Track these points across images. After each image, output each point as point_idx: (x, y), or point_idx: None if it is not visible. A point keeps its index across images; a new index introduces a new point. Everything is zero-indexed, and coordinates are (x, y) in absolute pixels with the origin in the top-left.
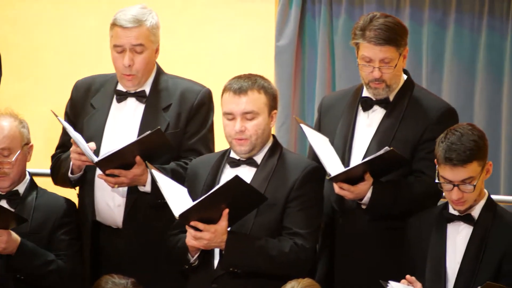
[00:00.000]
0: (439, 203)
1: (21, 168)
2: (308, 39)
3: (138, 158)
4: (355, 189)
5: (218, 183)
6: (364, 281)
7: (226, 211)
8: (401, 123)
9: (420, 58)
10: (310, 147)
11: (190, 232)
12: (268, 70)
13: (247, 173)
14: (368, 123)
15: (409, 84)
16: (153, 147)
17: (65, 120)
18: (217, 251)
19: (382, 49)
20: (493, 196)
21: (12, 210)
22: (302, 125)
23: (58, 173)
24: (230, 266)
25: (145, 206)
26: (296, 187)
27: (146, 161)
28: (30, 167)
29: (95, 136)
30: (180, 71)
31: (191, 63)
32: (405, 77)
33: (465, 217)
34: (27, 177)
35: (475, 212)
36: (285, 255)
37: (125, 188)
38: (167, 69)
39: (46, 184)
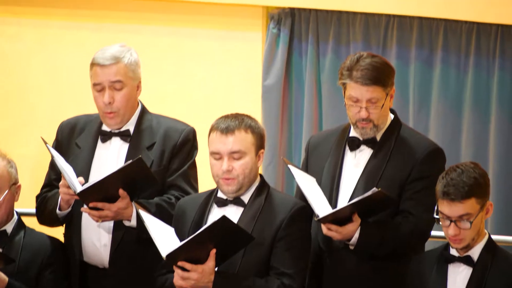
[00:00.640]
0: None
1: (9, 208)
2: (295, 78)
3: (121, 191)
4: (343, 230)
5: (205, 223)
6: None
7: (214, 251)
8: (388, 163)
9: (407, 97)
10: (298, 186)
11: (177, 272)
12: (255, 109)
13: (234, 213)
14: (355, 163)
15: (396, 123)
16: (135, 179)
17: (50, 164)
18: None
19: (369, 89)
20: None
21: (0, 250)
22: (290, 166)
23: (45, 210)
24: None
25: (132, 244)
26: (283, 226)
27: (133, 202)
28: (17, 207)
29: (81, 175)
30: (167, 110)
31: (178, 101)
32: (392, 116)
33: (465, 259)
34: (15, 216)
35: (475, 254)
36: None
37: (111, 226)
38: (154, 107)
39: (33, 223)
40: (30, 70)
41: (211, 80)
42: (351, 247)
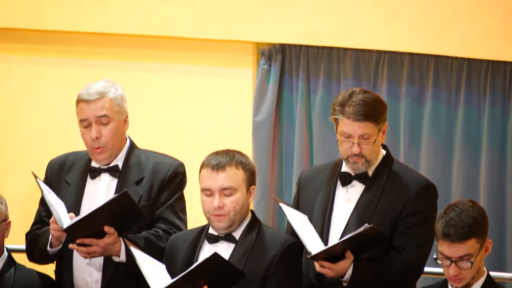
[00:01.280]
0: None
1: None
2: (285, 115)
3: (107, 227)
4: (336, 267)
5: (196, 259)
6: None
7: None
8: (380, 198)
9: (397, 133)
10: (288, 222)
11: None
12: (246, 145)
13: (225, 249)
14: (347, 198)
15: (388, 159)
16: (122, 213)
17: (40, 201)
18: None
19: (361, 125)
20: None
21: None
22: (281, 204)
23: (35, 247)
24: None
25: (123, 279)
26: (275, 262)
27: (124, 239)
28: (7, 243)
29: (72, 212)
30: (158, 146)
31: (169, 137)
32: (384, 152)
33: None
34: (5, 253)
35: None
36: None
37: (102, 262)
38: (145, 143)
39: (24, 260)
40: (21, 106)
41: (201, 116)
42: (344, 284)
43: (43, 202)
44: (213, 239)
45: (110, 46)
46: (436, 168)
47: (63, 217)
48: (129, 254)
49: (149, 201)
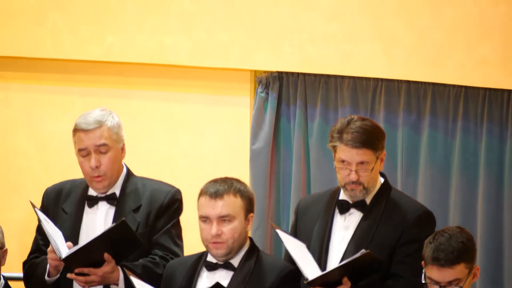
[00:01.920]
0: None
1: None
2: (283, 142)
3: (106, 255)
4: None
5: (194, 287)
6: None
7: None
8: (378, 226)
9: (395, 161)
10: (286, 250)
11: None
12: (243, 173)
13: (224, 277)
14: (345, 226)
15: (386, 187)
16: (120, 241)
17: (37, 229)
18: None
19: (359, 152)
20: None
21: None
22: (278, 231)
23: (33, 277)
24: None
25: None
26: None
27: (125, 269)
28: (4, 271)
29: (70, 241)
30: (155, 174)
31: (166, 165)
32: (382, 180)
33: None
34: (2, 281)
35: None
36: None
37: None
38: (142, 171)
39: None
40: (18, 134)
41: (199, 144)
42: None
43: (40, 230)
44: (212, 267)
45: (108, 74)
46: (434, 196)
47: (61, 247)
48: (127, 282)
49: (146, 228)
